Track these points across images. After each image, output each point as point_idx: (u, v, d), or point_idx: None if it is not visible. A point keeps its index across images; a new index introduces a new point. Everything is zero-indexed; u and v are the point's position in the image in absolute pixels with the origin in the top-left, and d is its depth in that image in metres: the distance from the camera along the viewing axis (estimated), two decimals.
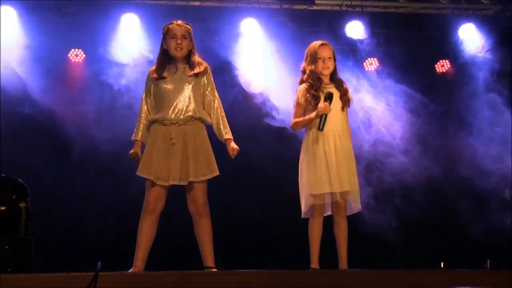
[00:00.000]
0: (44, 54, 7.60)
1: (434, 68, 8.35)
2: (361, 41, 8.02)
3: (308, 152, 5.08)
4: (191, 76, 4.87)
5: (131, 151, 4.93)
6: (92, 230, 7.32)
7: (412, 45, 8.16)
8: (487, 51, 8.05)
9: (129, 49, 7.70)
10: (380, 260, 7.59)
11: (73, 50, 7.78)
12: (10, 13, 7.40)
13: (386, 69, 8.18)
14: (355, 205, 5.13)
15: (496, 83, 7.99)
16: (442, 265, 7.05)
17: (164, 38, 4.95)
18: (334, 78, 5.20)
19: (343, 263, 5.06)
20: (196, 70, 4.88)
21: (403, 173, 7.86)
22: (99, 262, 3.82)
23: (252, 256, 7.49)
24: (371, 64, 8.25)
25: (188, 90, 4.84)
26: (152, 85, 4.94)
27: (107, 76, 7.75)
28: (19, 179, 4.80)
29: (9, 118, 7.26)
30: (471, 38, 8.04)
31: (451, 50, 8.24)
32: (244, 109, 7.60)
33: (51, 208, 7.20)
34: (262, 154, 7.48)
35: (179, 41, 4.86)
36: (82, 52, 7.80)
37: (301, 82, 5.22)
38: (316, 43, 5.21)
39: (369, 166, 7.83)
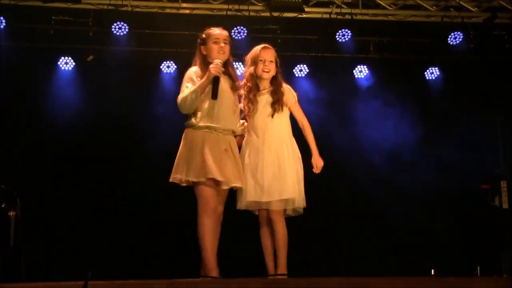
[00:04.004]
0: (33, 62, 7.59)
1: (424, 75, 8.37)
2: (351, 48, 8.04)
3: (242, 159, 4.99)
4: (232, 88, 4.91)
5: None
6: (83, 237, 7.28)
7: (401, 52, 8.19)
8: (476, 58, 8.09)
9: (119, 57, 7.70)
10: (370, 267, 7.58)
11: (62, 58, 7.78)
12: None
13: (375, 76, 8.22)
14: (291, 210, 4.98)
15: (485, 90, 8.02)
16: (432, 272, 7.08)
17: (203, 44, 4.93)
18: (274, 82, 5.02)
19: (280, 267, 4.88)
20: (237, 83, 4.95)
21: (393, 179, 7.89)
22: (89, 271, 3.80)
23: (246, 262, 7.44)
24: (361, 72, 8.28)
25: (231, 102, 4.89)
26: None
27: (98, 83, 7.75)
28: (9, 188, 4.78)
29: None
30: (460, 45, 8.07)
31: (440, 58, 8.28)
32: None
33: (41, 215, 7.15)
34: None
35: (222, 44, 4.89)
36: (71, 60, 7.79)
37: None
38: (259, 47, 5.07)
39: (356, 170, 7.88)
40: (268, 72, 5.00)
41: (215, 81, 4.74)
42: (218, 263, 4.72)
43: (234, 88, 4.94)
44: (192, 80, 4.83)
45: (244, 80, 5.05)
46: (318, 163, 5.01)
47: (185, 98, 4.74)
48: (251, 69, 5.03)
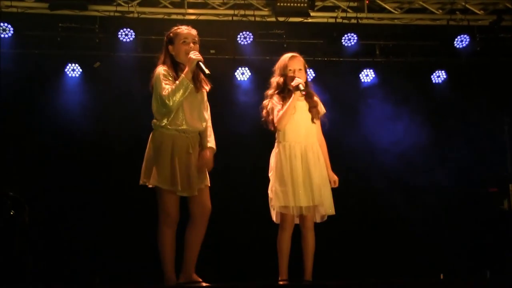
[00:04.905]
0: (41, 69, 7.62)
1: (430, 78, 8.36)
2: (356, 52, 8.04)
3: (276, 164, 5.01)
4: (199, 87, 4.82)
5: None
6: (89, 242, 7.28)
7: (407, 56, 8.20)
8: (483, 61, 8.08)
9: (125, 63, 7.72)
10: (376, 269, 7.56)
11: (69, 65, 7.80)
12: (7, 29, 7.44)
13: (381, 80, 8.21)
14: (325, 214, 5.05)
15: (492, 92, 8.01)
16: (441, 276, 7.06)
17: (171, 44, 4.84)
18: (306, 89, 5.03)
19: (307, 274, 4.99)
20: (204, 83, 4.86)
21: (401, 182, 7.88)
22: (97, 277, 3.81)
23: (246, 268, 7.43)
24: (367, 76, 8.27)
25: (198, 101, 4.81)
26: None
27: (105, 89, 7.76)
28: (17, 195, 4.79)
29: (2, 131, 7.26)
30: (467, 48, 8.06)
31: (446, 61, 8.27)
32: (242, 120, 7.58)
33: (47, 220, 7.16)
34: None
35: (191, 45, 4.80)
36: (78, 67, 7.81)
37: (269, 96, 5.10)
38: (287, 56, 5.11)
39: (362, 173, 7.86)
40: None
41: (199, 65, 4.65)
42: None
43: (200, 88, 4.83)
44: (167, 77, 4.70)
45: (273, 90, 5.07)
46: (333, 178, 5.08)
47: (174, 90, 4.59)
48: (280, 79, 5.05)
